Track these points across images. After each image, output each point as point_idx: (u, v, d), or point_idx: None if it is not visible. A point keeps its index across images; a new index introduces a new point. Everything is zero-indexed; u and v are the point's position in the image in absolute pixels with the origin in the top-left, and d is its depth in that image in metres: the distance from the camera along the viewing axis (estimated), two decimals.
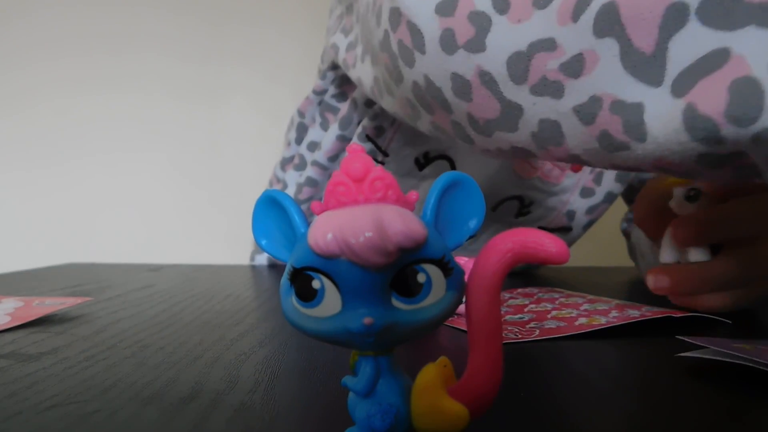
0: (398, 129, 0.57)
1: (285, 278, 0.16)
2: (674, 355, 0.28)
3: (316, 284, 0.15)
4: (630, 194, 0.67)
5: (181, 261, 0.90)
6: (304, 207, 0.65)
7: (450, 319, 0.26)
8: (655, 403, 0.23)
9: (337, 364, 0.28)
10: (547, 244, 0.15)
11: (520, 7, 0.27)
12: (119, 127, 1.21)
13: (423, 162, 0.58)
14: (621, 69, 0.24)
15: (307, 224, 0.17)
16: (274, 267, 0.77)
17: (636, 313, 0.36)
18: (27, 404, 0.23)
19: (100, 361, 0.29)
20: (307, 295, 0.15)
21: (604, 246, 0.89)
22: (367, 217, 0.15)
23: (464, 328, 0.16)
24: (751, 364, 0.24)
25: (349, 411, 0.17)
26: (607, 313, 0.37)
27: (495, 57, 0.27)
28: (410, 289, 0.15)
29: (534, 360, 0.29)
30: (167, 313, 0.42)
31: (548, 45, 0.26)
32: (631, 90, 0.23)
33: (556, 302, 0.42)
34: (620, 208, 0.71)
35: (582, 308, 0.39)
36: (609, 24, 0.23)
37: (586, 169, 0.59)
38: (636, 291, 0.56)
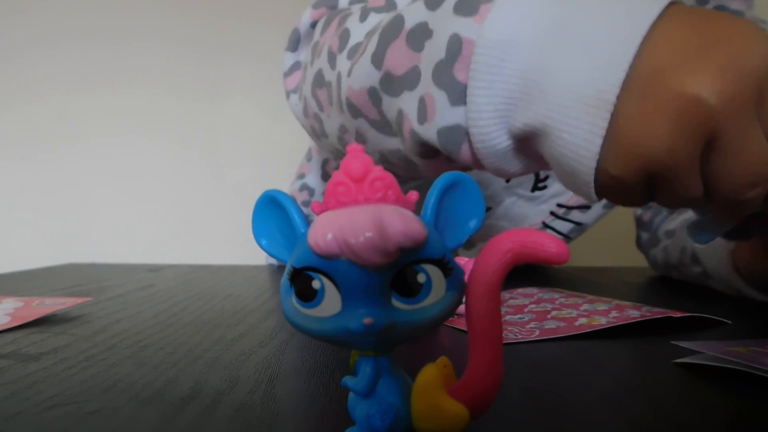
0: None
1: (285, 278, 0.16)
2: (672, 360, 0.28)
3: (316, 284, 0.15)
4: None
5: (181, 261, 0.90)
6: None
7: (450, 319, 0.26)
8: (654, 404, 0.23)
9: (337, 364, 0.28)
10: (546, 244, 0.15)
11: (327, 108, 0.43)
12: (119, 127, 1.21)
13: None
14: (377, 133, 0.38)
15: (307, 224, 0.17)
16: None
17: (636, 313, 0.36)
18: (27, 404, 0.23)
19: (100, 361, 0.29)
20: (307, 295, 0.15)
21: (605, 246, 0.89)
22: (367, 217, 0.15)
23: (464, 328, 0.16)
24: (745, 369, 0.24)
25: (349, 411, 0.17)
26: (607, 313, 0.37)
27: (332, 136, 0.45)
28: (410, 289, 0.15)
29: (534, 360, 0.29)
30: (167, 313, 0.42)
31: (343, 129, 0.42)
32: (389, 142, 0.38)
33: (556, 302, 0.42)
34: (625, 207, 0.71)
35: (582, 308, 0.39)
36: (354, 110, 0.38)
37: None
38: (636, 291, 0.56)
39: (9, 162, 1.20)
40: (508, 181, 0.59)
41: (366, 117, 0.38)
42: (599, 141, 0.25)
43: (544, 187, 0.60)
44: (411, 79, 0.33)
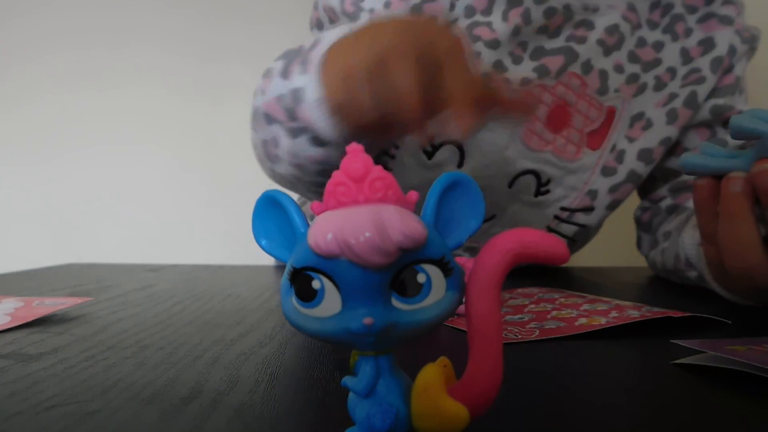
0: None
1: (285, 278, 0.16)
2: (672, 360, 0.28)
3: (316, 284, 0.15)
4: (649, 186, 0.67)
5: (181, 261, 0.90)
6: None
7: (450, 319, 0.26)
8: (654, 404, 0.23)
9: (337, 364, 0.28)
10: (546, 244, 0.15)
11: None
12: (119, 128, 1.21)
13: (431, 150, 0.58)
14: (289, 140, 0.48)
15: (307, 224, 0.17)
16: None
17: (636, 313, 0.36)
18: (27, 404, 0.23)
19: (100, 361, 0.29)
20: (307, 295, 0.15)
21: (605, 246, 0.89)
22: (367, 217, 0.15)
23: (464, 328, 0.16)
24: (743, 369, 0.24)
25: (349, 411, 0.17)
26: (607, 313, 0.37)
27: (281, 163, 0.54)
28: (410, 290, 0.15)
29: (534, 360, 0.29)
30: (167, 313, 0.42)
31: (264, 144, 0.55)
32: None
33: (556, 302, 0.42)
34: (625, 207, 0.71)
35: (582, 308, 0.39)
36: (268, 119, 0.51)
37: (607, 148, 0.60)
38: (636, 292, 0.56)
39: (9, 162, 1.20)
40: (510, 186, 0.60)
41: (279, 122, 0.47)
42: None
43: (547, 192, 0.61)
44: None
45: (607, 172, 0.60)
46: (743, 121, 0.35)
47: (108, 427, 0.20)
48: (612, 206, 0.62)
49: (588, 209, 0.62)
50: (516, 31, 0.56)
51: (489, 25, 0.56)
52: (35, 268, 0.75)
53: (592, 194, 0.61)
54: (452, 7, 0.57)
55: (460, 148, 0.58)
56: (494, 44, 0.56)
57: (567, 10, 0.57)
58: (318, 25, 0.64)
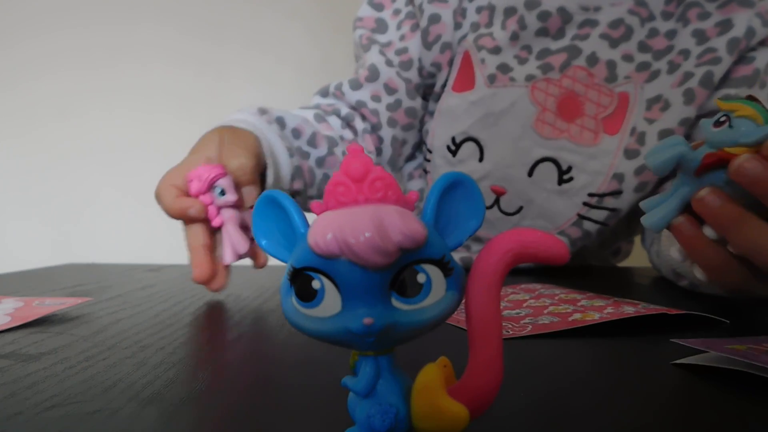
0: (435, 127, 0.65)
1: (285, 278, 0.16)
2: (671, 359, 0.28)
3: (316, 284, 0.15)
4: None
5: (181, 261, 0.90)
6: None
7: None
8: (654, 404, 0.23)
9: (337, 364, 0.28)
10: (546, 244, 0.15)
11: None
12: (120, 127, 1.21)
13: (454, 148, 0.64)
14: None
15: (307, 224, 0.17)
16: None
17: (631, 309, 0.36)
18: (27, 404, 0.23)
19: (100, 361, 0.29)
20: (307, 295, 0.15)
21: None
22: (367, 217, 0.15)
23: (464, 326, 0.16)
24: (744, 369, 0.24)
25: (349, 411, 0.17)
26: (602, 309, 0.37)
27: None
28: (410, 290, 0.15)
29: (534, 360, 0.29)
30: (167, 313, 0.42)
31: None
32: None
33: (555, 298, 0.42)
34: None
35: (579, 304, 0.39)
36: None
37: (626, 131, 0.60)
38: (637, 291, 0.56)
39: (9, 161, 1.20)
40: (530, 175, 0.62)
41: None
42: None
43: (570, 179, 0.61)
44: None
45: (630, 154, 0.61)
46: (659, 156, 0.33)
47: (108, 427, 0.20)
48: (640, 188, 0.62)
49: (616, 193, 0.62)
50: (514, 37, 0.62)
51: (491, 35, 0.63)
52: (35, 268, 0.75)
53: (619, 177, 0.61)
54: (458, 26, 0.65)
55: (479, 144, 0.62)
56: (496, 50, 0.62)
57: (563, 12, 0.61)
58: (356, 58, 0.72)
